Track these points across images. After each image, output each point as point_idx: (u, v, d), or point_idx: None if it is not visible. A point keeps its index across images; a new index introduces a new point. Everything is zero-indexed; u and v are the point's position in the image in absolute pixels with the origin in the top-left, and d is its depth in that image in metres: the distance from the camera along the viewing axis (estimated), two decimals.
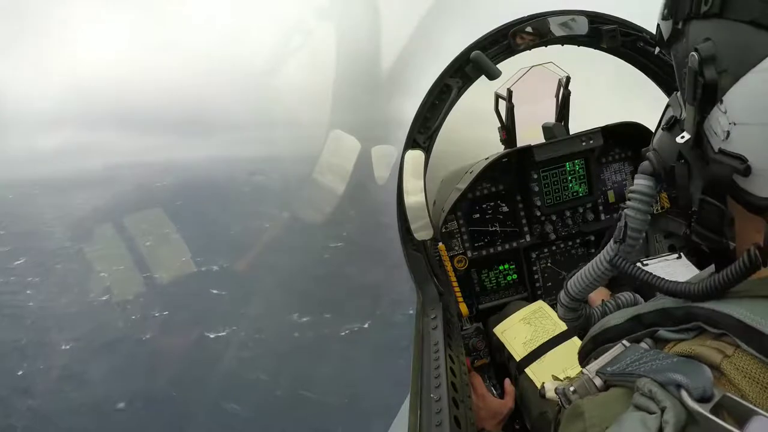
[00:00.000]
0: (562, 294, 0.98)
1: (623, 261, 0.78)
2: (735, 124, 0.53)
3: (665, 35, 0.64)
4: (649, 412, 0.48)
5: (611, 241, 0.81)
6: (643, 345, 0.64)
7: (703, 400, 0.47)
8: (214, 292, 8.29)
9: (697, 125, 0.58)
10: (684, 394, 0.47)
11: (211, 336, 7.26)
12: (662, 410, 0.47)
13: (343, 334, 7.23)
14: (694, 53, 0.55)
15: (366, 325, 7.32)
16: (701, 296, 0.59)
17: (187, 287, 8.53)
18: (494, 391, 1.86)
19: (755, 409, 0.45)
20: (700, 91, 0.55)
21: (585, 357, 0.78)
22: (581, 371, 0.66)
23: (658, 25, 0.66)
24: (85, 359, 7.14)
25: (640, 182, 0.75)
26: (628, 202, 0.77)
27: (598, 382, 0.63)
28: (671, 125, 0.66)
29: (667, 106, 0.70)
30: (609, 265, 0.83)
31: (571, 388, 0.65)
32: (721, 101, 0.54)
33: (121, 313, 8.04)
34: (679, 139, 0.61)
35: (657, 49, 0.70)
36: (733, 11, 0.52)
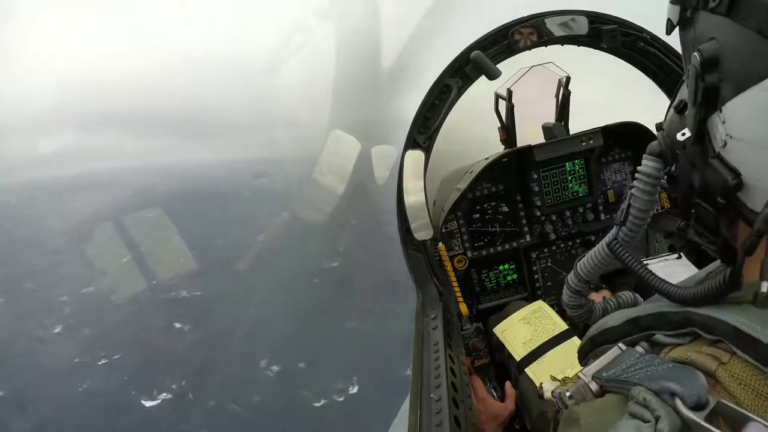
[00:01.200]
0: (571, 275, 0.96)
1: (621, 248, 0.76)
2: (731, 137, 0.50)
3: (673, 20, 0.60)
4: (644, 421, 0.48)
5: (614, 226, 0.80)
6: (638, 349, 0.63)
7: (697, 407, 0.47)
8: (177, 326, 7.06)
9: (699, 123, 0.55)
10: (678, 402, 0.47)
11: (147, 404, 5.83)
12: (656, 419, 0.47)
13: (318, 405, 5.54)
14: (696, 54, 0.51)
15: (354, 390, 5.61)
16: (688, 301, 0.58)
17: (149, 319, 7.32)
18: (495, 394, 1.86)
19: (750, 415, 0.45)
20: (700, 94, 0.52)
21: (584, 357, 0.78)
22: (577, 375, 0.65)
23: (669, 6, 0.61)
24: (7, 419, 6.05)
25: (647, 163, 0.73)
26: (634, 182, 0.75)
27: (594, 387, 0.62)
28: (681, 109, 0.63)
29: (681, 83, 0.66)
30: (608, 250, 0.81)
31: (568, 393, 0.64)
32: (721, 110, 0.51)
33: (66, 352, 6.88)
34: (679, 136, 0.59)
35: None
36: (740, 14, 0.47)
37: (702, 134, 0.56)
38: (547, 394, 0.69)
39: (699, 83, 0.52)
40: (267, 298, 7.16)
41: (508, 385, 1.77)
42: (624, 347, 0.64)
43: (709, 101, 0.52)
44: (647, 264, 0.69)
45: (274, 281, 7.46)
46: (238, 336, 6.69)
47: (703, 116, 0.54)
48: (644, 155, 0.73)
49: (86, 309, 7.66)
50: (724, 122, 0.51)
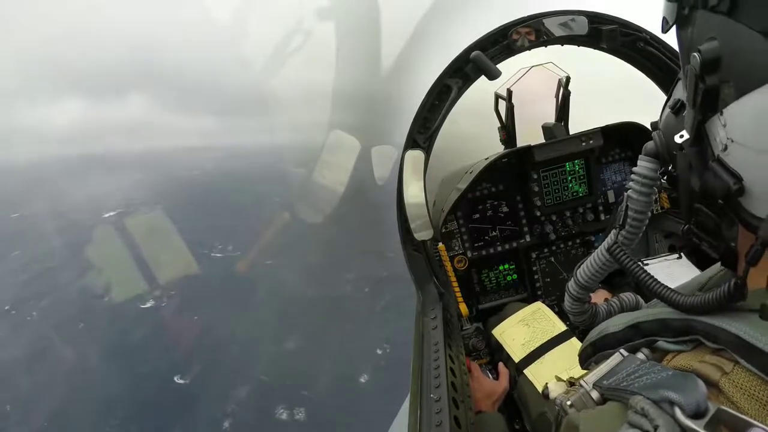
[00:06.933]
0: (570, 283, 0.95)
1: (621, 252, 0.75)
2: (733, 141, 0.48)
3: (670, 19, 0.57)
4: (643, 430, 0.47)
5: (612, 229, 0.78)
6: (639, 355, 0.63)
7: (697, 416, 0.46)
8: None
9: (698, 124, 0.52)
10: (677, 411, 0.46)
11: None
12: (655, 428, 0.46)
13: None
14: (696, 54, 0.49)
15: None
16: (689, 310, 0.58)
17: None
18: (490, 375, 1.87)
19: (751, 420, 0.44)
20: (700, 96, 0.50)
21: (585, 361, 0.78)
22: (579, 384, 0.65)
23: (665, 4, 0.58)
24: None
25: (643, 164, 0.71)
26: (630, 184, 0.74)
27: (595, 394, 0.62)
28: (677, 109, 0.60)
29: (677, 81, 0.64)
30: (608, 254, 0.79)
31: (568, 402, 0.63)
32: (722, 113, 0.49)
33: None
34: (677, 138, 0.57)
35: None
36: (743, 14, 0.44)
37: (701, 136, 0.53)
38: (553, 395, 0.69)
39: (698, 85, 0.49)
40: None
41: (501, 365, 1.79)
42: (625, 353, 0.64)
43: (709, 104, 0.49)
44: (647, 264, 0.69)
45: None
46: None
47: (702, 118, 0.52)
48: (640, 156, 0.71)
49: None
50: (725, 125, 0.49)
